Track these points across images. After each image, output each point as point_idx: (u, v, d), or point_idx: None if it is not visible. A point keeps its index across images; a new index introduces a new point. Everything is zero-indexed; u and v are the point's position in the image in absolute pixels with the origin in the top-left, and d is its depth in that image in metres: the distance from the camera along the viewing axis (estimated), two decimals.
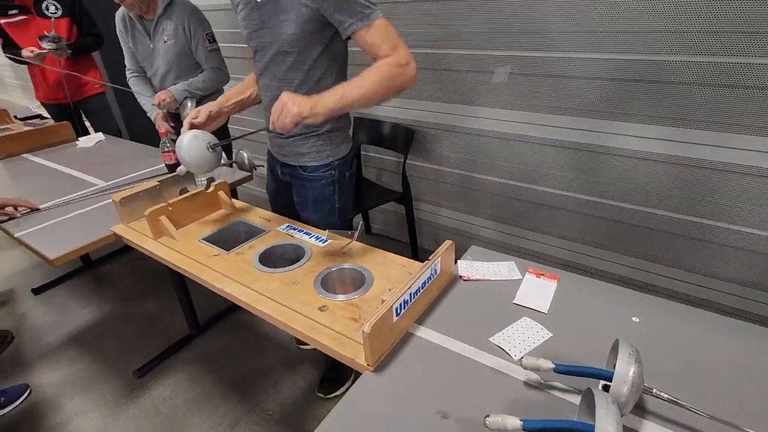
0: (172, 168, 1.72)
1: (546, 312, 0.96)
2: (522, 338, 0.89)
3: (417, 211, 2.38)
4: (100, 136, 2.44)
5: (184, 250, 1.26)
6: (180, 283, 1.85)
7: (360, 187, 2.41)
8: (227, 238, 1.36)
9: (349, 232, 1.24)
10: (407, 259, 1.16)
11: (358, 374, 0.85)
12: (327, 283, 1.09)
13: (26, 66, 2.53)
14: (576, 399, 0.75)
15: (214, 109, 1.29)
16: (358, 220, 2.48)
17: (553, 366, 0.75)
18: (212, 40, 2.07)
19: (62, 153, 2.23)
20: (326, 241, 1.27)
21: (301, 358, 1.83)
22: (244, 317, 2.09)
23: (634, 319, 0.93)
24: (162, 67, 2.09)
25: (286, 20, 1.12)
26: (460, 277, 1.09)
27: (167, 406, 1.65)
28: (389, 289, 0.87)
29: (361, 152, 2.45)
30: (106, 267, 2.57)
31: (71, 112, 2.64)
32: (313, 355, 1.84)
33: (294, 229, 1.34)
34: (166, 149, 1.70)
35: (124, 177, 1.86)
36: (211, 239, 1.32)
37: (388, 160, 2.40)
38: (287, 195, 1.44)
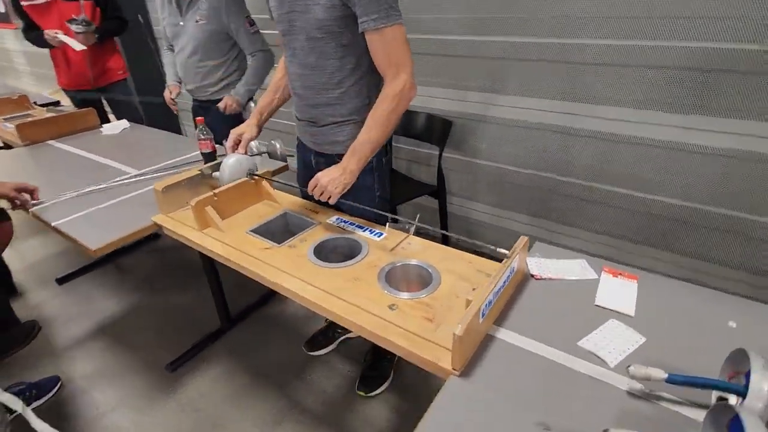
0: (208, 156, 1.66)
1: (633, 315, 0.90)
2: (613, 343, 0.83)
3: (449, 205, 2.31)
4: (125, 123, 2.38)
5: (233, 242, 1.21)
6: (213, 275, 1.80)
7: (392, 181, 2.35)
8: (275, 231, 1.30)
9: (406, 226, 1.18)
10: (472, 255, 1.10)
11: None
12: (391, 280, 1.03)
13: (48, 51, 2.47)
14: (689, 412, 0.70)
15: (254, 135, 1.42)
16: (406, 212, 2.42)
17: (666, 376, 0.69)
18: (252, 22, 2.00)
19: (88, 140, 2.17)
20: (381, 234, 1.21)
21: (338, 354, 1.78)
22: (274, 309, 2.05)
23: (730, 323, 0.87)
24: (189, 46, 2.01)
25: (315, 4, 1.07)
26: (531, 275, 1.03)
27: (205, 402, 1.60)
28: (473, 289, 0.81)
29: (392, 143, 2.37)
30: (129, 257, 2.52)
31: (94, 98, 2.58)
32: (345, 350, 1.79)
33: (344, 222, 1.28)
34: (203, 137, 1.63)
35: (156, 165, 1.80)
36: (258, 231, 1.26)
37: (420, 152, 2.33)
38: None
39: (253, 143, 1.92)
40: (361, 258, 1.11)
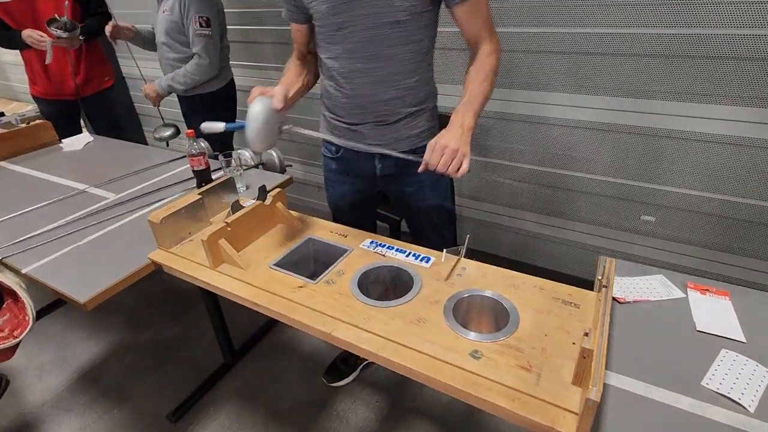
0: (201, 175, 1.44)
1: (745, 341, 0.80)
2: (740, 380, 0.73)
3: (458, 207, 2.19)
4: (87, 137, 2.08)
5: (256, 280, 1.02)
6: (215, 307, 1.59)
7: None
8: (301, 262, 1.13)
9: (458, 248, 1.04)
10: (540, 279, 0.97)
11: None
12: (459, 318, 0.89)
13: (20, 53, 2.12)
14: None
15: (281, 104, 1.00)
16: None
17: None
18: (204, 24, 1.88)
19: (47, 159, 1.87)
20: (429, 259, 1.06)
21: (362, 382, 1.62)
22: (282, 336, 1.86)
23: None
24: (161, 37, 1.98)
25: None
26: (614, 299, 0.91)
27: None
28: (585, 334, 0.68)
29: None
30: None
31: (73, 110, 2.26)
32: (369, 375, 1.64)
33: (381, 245, 1.12)
34: (194, 152, 1.41)
35: (138, 186, 1.55)
36: (283, 264, 1.08)
37: None
38: (373, 200, 1.25)
39: (246, 153, 1.72)
40: (417, 291, 0.95)
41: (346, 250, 1.11)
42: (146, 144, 3.07)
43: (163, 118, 2.22)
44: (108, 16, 2.19)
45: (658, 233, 1.78)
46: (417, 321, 0.88)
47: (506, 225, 2.14)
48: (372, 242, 1.14)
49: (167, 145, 2.23)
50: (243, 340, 1.80)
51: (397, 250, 1.10)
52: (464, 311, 0.93)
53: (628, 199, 1.78)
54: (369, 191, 1.31)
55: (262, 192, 1.22)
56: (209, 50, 1.91)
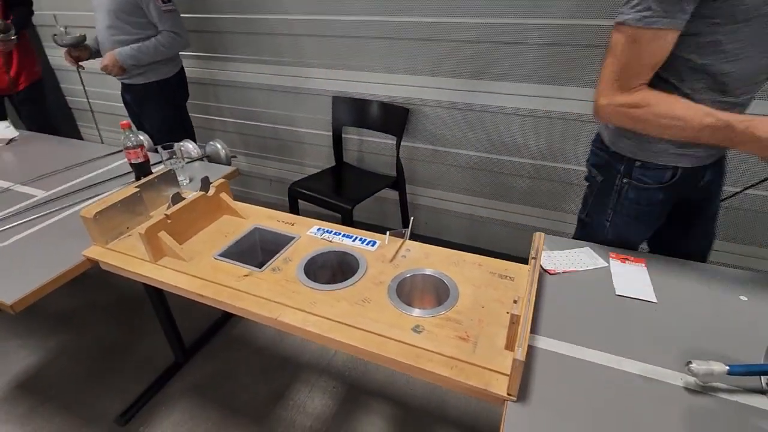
0: (139, 168, 1.39)
1: (657, 302, 0.89)
2: (649, 334, 0.81)
3: (409, 195, 2.23)
4: (11, 131, 1.93)
5: (200, 272, 1.00)
6: (161, 304, 1.54)
7: (347, 176, 2.21)
8: (247, 252, 1.12)
9: (401, 231, 1.08)
10: (479, 256, 1.03)
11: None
12: (402, 296, 0.92)
13: None
14: (746, 399, 0.69)
15: None
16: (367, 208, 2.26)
17: (727, 369, 0.67)
18: (168, 0, 1.75)
19: None
20: (375, 243, 1.08)
21: (317, 370, 1.64)
22: (236, 331, 1.83)
23: (742, 297, 0.89)
24: (105, 21, 1.83)
25: None
26: (545, 271, 0.98)
27: None
28: (514, 301, 0.73)
29: (342, 135, 2.22)
30: None
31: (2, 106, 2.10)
32: (327, 366, 1.66)
33: (328, 232, 1.14)
34: (131, 144, 1.35)
35: (71, 183, 1.47)
36: (228, 255, 1.07)
37: (376, 142, 2.21)
38: (686, 212, 1.10)
39: (189, 145, 1.67)
40: (363, 274, 0.98)
41: (293, 238, 1.11)
42: (81, 139, 2.89)
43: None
44: (30, 3, 2.05)
45: None
46: (362, 302, 0.90)
47: (457, 211, 2.21)
48: (319, 229, 1.15)
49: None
50: (195, 337, 1.76)
51: (343, 235, 1.12)
52: (408, 290, 0.97)
53: (558, 181, 1.89)
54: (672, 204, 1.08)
55: (205, 183, 1.19)
56: (180, 25, 1.83)
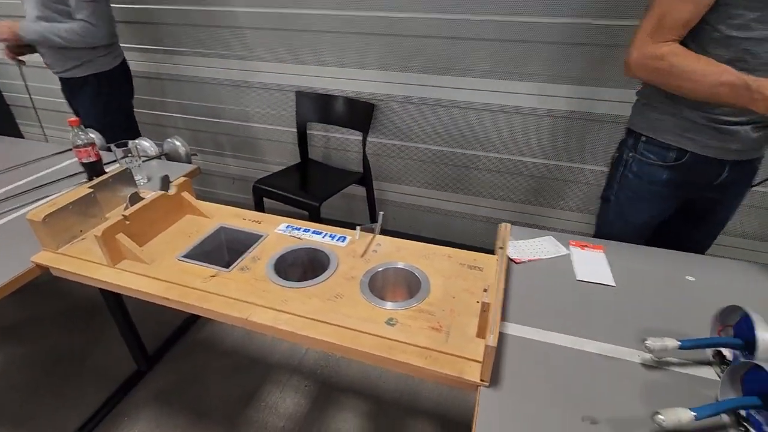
0: (91, 167, 1.31)
1: (615, 285, 0.94)
2: (611, 318, 0.86)
3: (377, 191, 2.24)
4: None
5: (164, 274, 0.97)
6: (120, 310, 1.47)
7: (314, 173, 2.18)
8: (214, 251, 1.09)
9: (372, 225, 1.08)
10: (449, 248, 1.05)
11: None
12: (374, 290, 0.93)
13: None
14: (694, 370, 0.75)
15: None
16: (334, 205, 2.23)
17: (680, 343, 0.72)
18: None
19: None
20: (345, 238, 1.08)
21: (288, 370, 1.62)
22: (201, 334, 1.78)
23: (688, 278, 0.96)
24: (31, 11, 1.70)
25: None
26: (512, 260, 1.01)
27: None
28: (485, 290, 0.76)
29: (307, 131, 2.19)
30: None
31: None
32: (298, 365, 1.64)
33: (297, 229, 1.12)
34: (80, 143, 1.27)
35: (13, 185, 1.37)
36: (193, 255, 1.03)
37: (342, 138, 2.19)
38: (694, 212, 1.15)
39: (145, 143, 1.59)
40: (334, 270, 0.97)
41: (260, 236, 1.09)
42: (22, 137, 2.69)
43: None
44: None
45: (552, 204, 1.99)
46: (334, 297, 0.90)
47: (425, 205, 2.24)
48: (288, 226, 1.14)
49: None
50: (158, 342, 1.69)
51: (313, 232, 1.11)
52: (380, 284, 0.97)
53: (522, 174, 1.96)
54: (682, 201, 1.13)
55: (165, 181, 1.15)
56: (99, 16, 1.71)
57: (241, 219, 1.17)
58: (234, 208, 1.22)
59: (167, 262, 1.01)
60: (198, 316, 1.77)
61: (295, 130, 2.15)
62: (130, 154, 1.35)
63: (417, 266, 0.98)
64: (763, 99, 0.82)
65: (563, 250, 1.05)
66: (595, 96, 1.69)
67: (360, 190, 2.18)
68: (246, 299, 0.89)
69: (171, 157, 1.64)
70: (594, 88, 1.67)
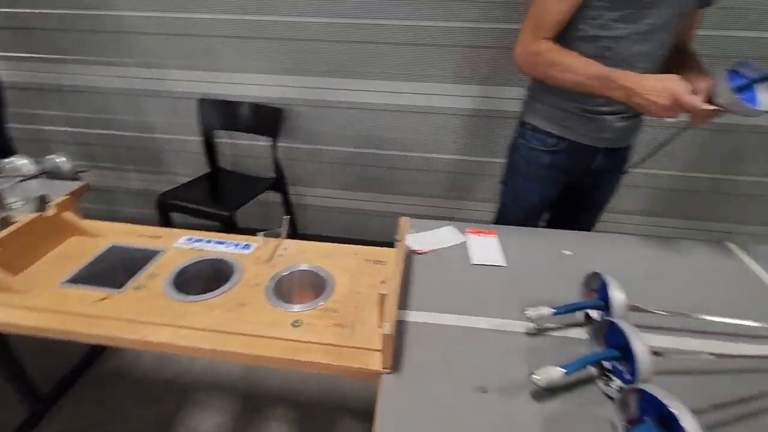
0: None
1: (506, 265, 1.03)
2: (500, 295, 0.94)
3: (294, 196, 2.21)
4: None
5: (42, 303, 0.88)
6: (2, 348, 1.31)
7: (225, 181, 2.11)
8: (105, 273, 1.01)
9: (276, 230, 1.08)
10: (355, 246, 1.08)
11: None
12: (281, 295, 0.93)
13: None
14: (569, 332, 0.85)
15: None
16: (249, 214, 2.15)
17: (553, 310, 0.82)
18: None
19: None
20: (250, 246, 1.07)
21: (208, 389, 1.55)
22: (111, 364, 1.64)
23: (565, 252, 1.08)
24: None
25: None
26: (414, 252, 1.07)
27: None
28: (382, 282, 0.79)
29: (214, 139, 2.11)
30: None
31: None
32: (219, 383, 1.58)
33: (199, 240, 1.08)
34: None
35: None
36: (79, 279, 0.96)
37: (252, 145, 2.13)
38: (576, 195, 1.30)
39: (21, 161, 1.43)
40: (238, 278, 0.96)
41: (158, 252, 1.04)
42: None
43: None
44: None
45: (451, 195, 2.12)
46: (238, 306, 0.88)
47: (343, 207, 2.26)
48: (189, 239, 1.09)
49: None
50: (56, 380, 1.52)
51: (216, 242, 1.08)
52: (287, 288, 0.97)
53: (427, 170, 2.06)
54: (563, 187, 1.27)
55: (41, 202, 1.05)
56: None
57: (136, 236, 1.10)
58: (128, 224, 1.14)
59: (48, 290, 0.92)
60: (104, 346, 1.63)
61: (201, 138, 2.06)
62: (0, 174, 1.21)
63: (322, 266, 0.99)
64: (622, 88, 0.94)
65: (461, 238, 1.13)
66: (499, 95, 1.82)
67: (276, 197, 2.14)
68: (141, 319, 0.85)
69: (54, 175, 1.49)
70: (498, 87, 1.80)
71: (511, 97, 1.80)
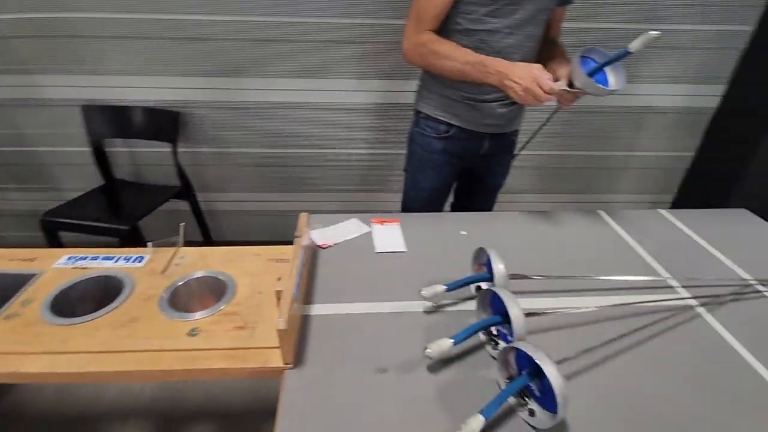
0: None
1: (406, 250, 1.08)
2: (402, 279, 0.98)
3: (204, 203, 2.11)
4: None
5: None
6: None
7: (124, 192, 1.95)
8: None
9: (172, 239, 1.03)
10: (258, 246, 1.06)
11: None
12: (179, 304, 0.89)
13: None
14: (463, 306, 0.91)
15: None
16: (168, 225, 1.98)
17: (445, 287, 0.87)
18: None
19: None
20: (143, 258, 1.01)
21: (122, 415, 1.44)
22: (4, 405, 1.46)
23: (462, 232, 1.16)
24: None
25: None
26: (319, 246, 1.08)
27: None
28: (278, 279, 0.79)
29: (106, 149, 1.94)
30: None
31: None
32: (132, 403, 1.47)
33: (83, 258, 1.00)
34: None
35: None
36: None
37: (146, 152, 2.00)
38: (472, 179, 1.40)
39: None
40: (129, 293, 0.90)
41: (33, 275, 0.94)
42: None
43: None
44: None
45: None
46: (129, 322, 0.84)
47: (257, 210, 2.20)
48: (70, 258, 1.00)
49: None
50: None
51: (103, 258, 1.01)
52: (185, 297, 0.93)
53: (340, 165, 2.08)
54: (459, 171, 1.36)
55: None
56: None
57: (6, 260, 0.99)
58: None
59: None
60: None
61: (90, 149, 1.89)
62: None
63: (223, 271, 0.97)
64: (496, 74, 1.02)
65: (365, 228, 1.16)
66: (402, 88, 1.87)
67: (184, 205, 2.03)
68: (12, 350, 0.77)
69: None
70: (401, 81, 1.85)
71: (414, 90, 1.86)
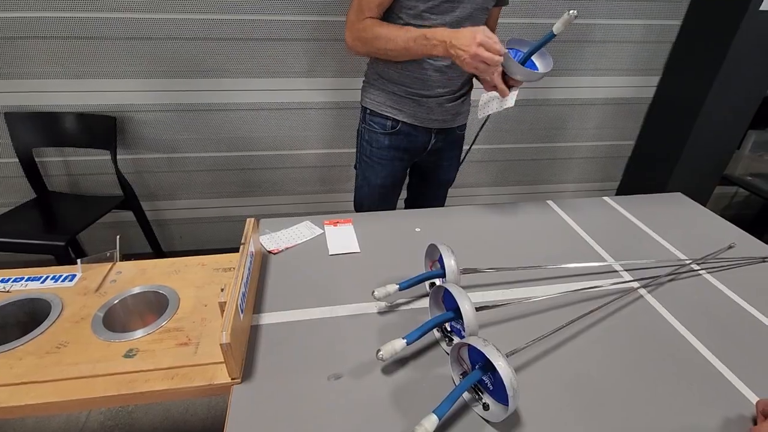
0: None
1: (359, 251, 1.05)
2: (357, 280, 0.96)
3: (151, 212, 2.00)
4: None
5: None
6: None
7: (57, 205, 1.81)
8: None
9: (107, 253, 0.96)
10: (203, 256, 1.00)
11: None
12: (116, 325, 0.82)
13: None
14: (418, 304, 0.90)
15: None
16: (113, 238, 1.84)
17: (398, 286, 0.86)
18: None
19: None
20: (74, 276, 0.93)
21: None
22: None
23: (416, 229, 1.15)
24: None
25: None
26: (269, 252, 1.04)
27: None
28: (222, 289, 0.75)
29: (35, 159, 1.80)
30: None
31: None
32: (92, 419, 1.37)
33: (4, 281, 0.91)
34: None
35: None
36: None
37: (82, 161, 1.87)
38: (422, 175, 1.42)
39: None
40: (57, 316, 0.83)
41: None
42: None
43: None
44: None
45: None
46: (57, 348, 0.76)
47: (211, 216, 2.11)
48: None
49: None
50: None
51: (28, 279, 0.92)
52: (122, 316, 0.87)
53: (302, 166, 2.03)
54: (408, 167, 1.37)
55: None
56: None
57: None
58: None
59: None
60: None
61: (16, 160, 1.74)
62: None
63: (164, 284, 0.91)
64: (440, 43, 1.00)
65: (318, 231, 1.13)
66: (356, 86, 1.83)
67: (128, 215, 1.92)
68: None
69: None
70: (353, 78, 1.82)
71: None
